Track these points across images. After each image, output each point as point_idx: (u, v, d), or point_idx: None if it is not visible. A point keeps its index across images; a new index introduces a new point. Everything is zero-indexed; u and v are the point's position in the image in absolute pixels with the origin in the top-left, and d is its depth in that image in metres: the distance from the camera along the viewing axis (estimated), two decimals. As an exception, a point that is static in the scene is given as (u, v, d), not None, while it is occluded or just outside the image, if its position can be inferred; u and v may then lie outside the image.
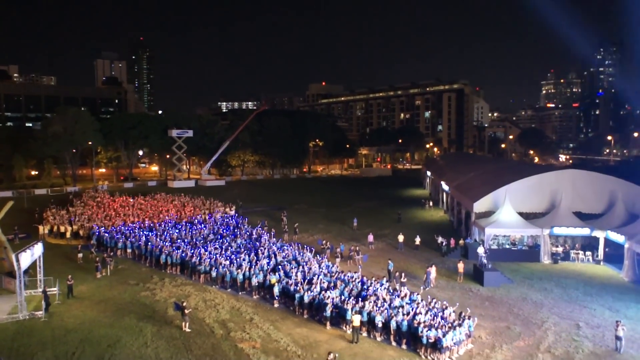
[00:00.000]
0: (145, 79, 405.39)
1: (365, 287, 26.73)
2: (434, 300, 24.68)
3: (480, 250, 33.44)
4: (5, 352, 21.30)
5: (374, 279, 28.11)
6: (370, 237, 41.21)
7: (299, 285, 26.64)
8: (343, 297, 24.79)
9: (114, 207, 51.40)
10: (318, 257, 33.44)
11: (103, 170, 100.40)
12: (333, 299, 24.50)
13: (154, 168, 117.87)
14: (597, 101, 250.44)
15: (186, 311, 23.61)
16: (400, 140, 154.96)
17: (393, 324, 22.22)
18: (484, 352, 21.64)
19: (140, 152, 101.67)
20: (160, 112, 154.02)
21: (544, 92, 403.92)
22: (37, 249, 28.12)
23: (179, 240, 37.51)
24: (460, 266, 32.35)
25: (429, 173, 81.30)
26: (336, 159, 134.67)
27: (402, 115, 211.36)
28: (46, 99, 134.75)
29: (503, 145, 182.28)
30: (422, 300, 24.90)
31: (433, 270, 31.05)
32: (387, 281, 28.59)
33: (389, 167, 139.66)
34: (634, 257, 32.06)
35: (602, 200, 38.19)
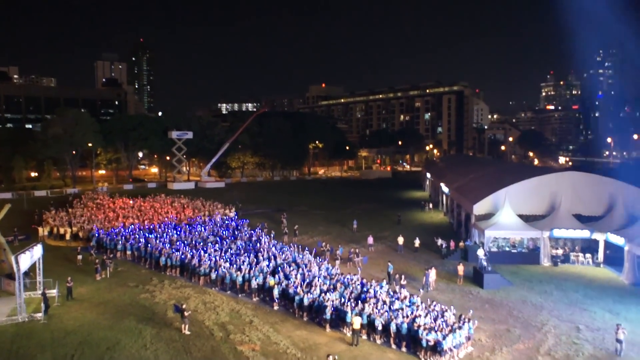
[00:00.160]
0: (145, 81, 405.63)
1: (365, 289, 26.71)
2: (434, 303, 24.65)
3: (480, 252, 33.43)
4: (5, 355, 21.26)
5: (373, 281, 28.08)
6: (370, 239, 41.18)
7: (298, 287, 26.62)
8: (343, 300, 24.76)
9: (113, 209, 51.37)
10: (318, 259, 33.42)
11: (103, 171, 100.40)
12: (333, 301, 24.47)
13: (154, 170, 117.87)
14: (597, 103, 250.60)
15: (186, 313, 23.57)
16: (400, 142, 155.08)
17: (393, 327, 22.19)
18: (484, 355, 21.61)
19: (140, 154, 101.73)
20: (160, 113, 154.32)
21: (543, 94, 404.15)
22: (37, 251, 28.06)
23: (178, 242, 37.49)
24: (460, 268, 32.32)
25: (428, 175, 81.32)
26: (336, 160, 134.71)
27: (402, 117, 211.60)
28: (46, 101, 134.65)
29: (503, 147, 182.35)
30: (421, 302, 24.88)
31: (433, 273, 31.03)
32: (387, 283, 28.57)
33: (388, 169, 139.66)
34: (634, 260, 32.03)
35: (602, 203, 38.17)
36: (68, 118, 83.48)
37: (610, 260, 35.53)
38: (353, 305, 23.91)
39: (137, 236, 39.26)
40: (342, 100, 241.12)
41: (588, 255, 36.61)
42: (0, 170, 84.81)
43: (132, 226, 43.23)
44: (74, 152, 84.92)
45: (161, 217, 47.37)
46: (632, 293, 30.21)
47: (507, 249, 37.62)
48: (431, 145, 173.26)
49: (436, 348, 20.66)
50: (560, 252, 36.96)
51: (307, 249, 35.86)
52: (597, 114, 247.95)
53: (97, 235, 40.11)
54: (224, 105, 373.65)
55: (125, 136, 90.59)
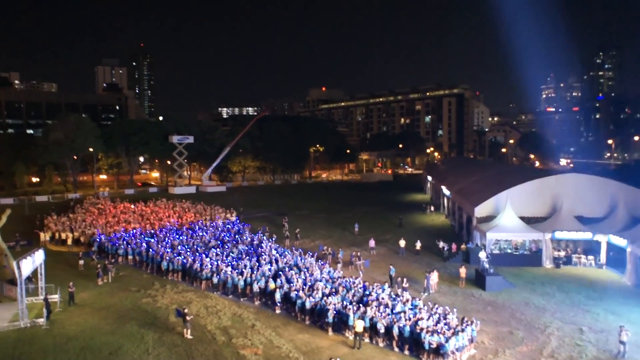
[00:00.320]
0: (145, 85, 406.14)
1: (367, 292, 26.66)
2: (436, 306, 24.60)
3: (482, 255, 33.36)
4: (7, 360, 21.25)
5: (375, 284, 28.04)
6: (372, 243, 41.14)
7: (300, 291, 26.58)
8: (345, 303, 24.72)
9: (115, 214, 51.39)
10: (319, 263, 33.38)
11: (104, 176, 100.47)
12: (335, 304, 24.43)
13: (155, 174, 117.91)
14: (598, 105, 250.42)
15: (188, 318, 23.54)
16: (400, 145, 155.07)
17: (395, 330, 22.15)
18: (487, 358, 21.55)
19: (141, 159, 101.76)
20: (160, 118, 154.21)
21: (544, 96, 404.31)
22: (38, 256, 28.07)
23: (180, 247, 37.48)
24: (462, 271, 32.27)
25: (429, 178, 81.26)
26: (337, 164, 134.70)
27: (402, 120, 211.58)
28: (47, 106, 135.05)
29: (503, 150, 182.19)
30: (424, 305, 24.83)
31: (435, 276, 30.98)
32: (389, 286, 28.53)
33: (389, 172, 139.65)
34: (636, 261, 31.95)
35: (604, 204, 38.12)
36: (69, 123, 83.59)
37: (612, 261, 35.46)
38: (355, 308, 23.86)
39: (139, 241, 39.25)
40: (343, 104, 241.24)
41: (590, 257, 36.54)
42: (1, 176, 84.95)
43: (134, 231, 43.23)
44: (75, 157, 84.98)
45: (163, 222, 47.37)
46: (634, 294, 30.14)
47: (509, 251, 37.56)
48: (432, 148, 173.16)
49: (439, 351, 20.61)
50: (562, 253, 36.89)
51: (308, 252, 35.83)
52: (597, 116, 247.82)
53: (98, 240, 40.12)
54: (225, 109, 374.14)
55: (126, 141, 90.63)
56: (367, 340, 22.99)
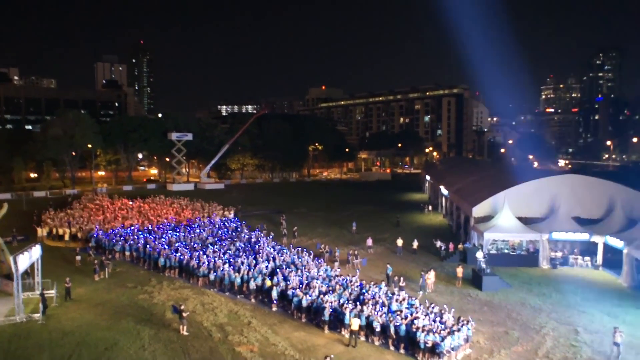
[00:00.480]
0: (145, 82, 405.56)
1: (363, 291, 26.69)
2: (432, 305, 24.64)
3: (479, 254, 33.39)
4: (2, 355, 21.24)
5: (372, 283, 28.07)
6: (369, 241, 41.17)
7: (297, 289, 26.60)
8: (341, 301, 24.74)
9: (112, 210, 51.35)
10: (317, 261, 33.41)
11: (102, 173, 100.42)
12: (331, 302, 24.45)
13: (153, 171, 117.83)
14: (597, 106, 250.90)
15: (184, 314, 23.54)
16: (399, 145, 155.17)
17: (391, 328, 22.18)
18: (482, 357, 21.59)
19: (140, 155, 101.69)
20: (160, 115, 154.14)
21: (543, 97, 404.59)
22: (35, 252, 28.08)
23: (177, 243, 37.47)
24: (459, 271, 32.32)
25: (428, 177, 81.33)
26: (335, 162, 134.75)
27: (401, 119, 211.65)
28: (46, 102, 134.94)
29: (502, 150, 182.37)
30: (420, 304, 24.87)
31: (432, 275, 31.04)
32: (385, 285, 28.56)
33: (388, 171, 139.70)
34: (632, 263, 32.03)
35: (601, 206, 38.17)
36: (68, 119, 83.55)
37: (609, 263, 35.52)
38: (352, 307, 23.89)
39: (136, 237, 39.24)
40: (342, 103, 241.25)
41: (587, 258, 36.59)
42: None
43: (131, 227, 43.21)
44: (73, 153, 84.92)
45: (160, 218, 47.36)
46: (630, 296, 30.21)
47: (506, 251, 37.62)
48: (431, 148, 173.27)
49: (434, 350, 20.65)
50: (559, 254, 36.95)
51: (306, 250, 35.84)
52: (596, 117, 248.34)
53: (96, 235, 40.10)
54: (224, 107, 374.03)
55: (125, 137, 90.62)
56: (363, 338, 23.01)
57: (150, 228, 43.28)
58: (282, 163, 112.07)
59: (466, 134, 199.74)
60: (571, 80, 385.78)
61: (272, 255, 33.67)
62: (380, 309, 23.74)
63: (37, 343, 22.32)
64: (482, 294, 30.11)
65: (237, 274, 29.45)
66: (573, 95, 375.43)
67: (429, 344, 20.78)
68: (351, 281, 28.21)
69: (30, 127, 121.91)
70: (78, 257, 35.64)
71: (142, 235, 39.82)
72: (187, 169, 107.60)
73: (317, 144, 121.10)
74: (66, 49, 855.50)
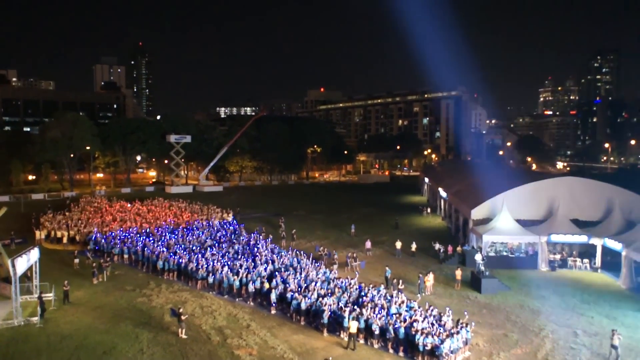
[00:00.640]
0: (143, 84, 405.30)
1: (362, 294, 26.67)
2: (432, 308, 24.62)
3: (478, 257, 33.41)
4: (0, 358, 21.15)
5: (371, 285, 28.05)
6: (368, 244, 41.15)
7: (296, 291, 26.56)
8: (340, 304, 24.71)
9: (111, 213, 51.26)
10: (315, 264, 33.37)
11: (101, 175, 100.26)
12: (330, 305, 24.42)
13: (152, 173, 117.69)
14: (595, 109, 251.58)
15: (183, 317, 23.49)
16: (398, 147, 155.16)
17: (390, 331, 22.15)
18: (481, 360, 21.58)
19: (138, 158, 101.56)
20: (158, 117, 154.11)
21: (541, 99, 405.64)
22: (34, 254, 28.02)
23: (176, 246, 37.41)
24: (458, 273, 32.31)
25: (426, 180, 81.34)
26: (334, 165, 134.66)
27: (400, 121, 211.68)
28: (44, 104, 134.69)
29: (501, 152, 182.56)
30: (419, 307, 24.85)
31: (431, 277, 31.03)
32: (384, 288, 28.53)
33: (386, 173, 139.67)
34: (631, 265, 32.06)
35: (600, 208, 38.22)
36: (66, 121, 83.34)
37: (607, 265, 35.52)
38: (351, 309, 23.85)
39: (135, 240, 39.16)
40: (341, 105, 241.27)
41: (585, 260, 36.60)
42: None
43: (130, 230, 43.13)
44: (72, 155, 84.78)
45: (159, 221, 47.28)
46: (629, 298, 30.23)
47: (505, 253, 37.61)
48: (429, 150, 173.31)
49: (434, 352, 20.63)
50: (557, 257, 36.96)
51: (304, 253, 35.79)
52: (594, 120, 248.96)
53: (94, 238, 40.01)
54: (223, 109, 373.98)
55: (123, 140, 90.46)
56: (362, 341, 22.99)
57: (148, 231, 43.20)
58: (281, 165, 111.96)
59: (465, 137, 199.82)
60: (569, 82, 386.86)
61: (270, 258, 33.63)
62: (379, 311, 23.71)
63: (35, 347, 22.24)
64: (481, 297, 30.10)
65: (235, 277, 29.41)
66: (571, 97, 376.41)
67: (428, 347, 20.77)
68: (350, 284, 28.18)
69: (28, 129, 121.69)
70: (76, 260, 35.56)
71: (140, 238, 39.74)
72: (186, 172, 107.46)
73: (315, 146, 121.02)
74: (65, 51, 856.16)
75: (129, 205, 56.55)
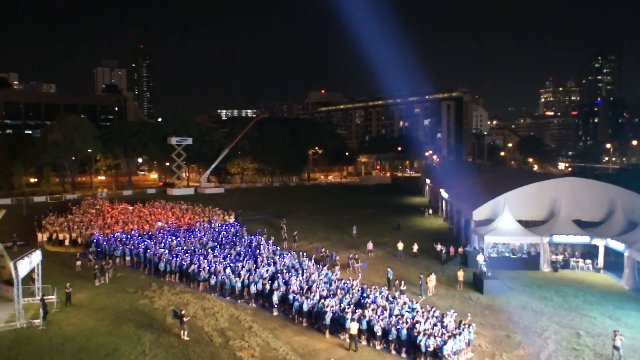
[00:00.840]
0: (145, 87, 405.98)
1: (364, 295, 26.64)
2: (434, 309, 24.59)
3: (480, 258, 33.35)
4: (3, 361, 21.19)
5: (373, 287, 28.01)
6: (370, 245, 41.12)
7: (298, 293, 26.54)
8: (342, 305, 24.69)
9: (113, 215, 51.31)
10: (317, 265, 33.35)
11: (102, 177, 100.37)
12: (332, 307, 24.40)
13: (153, 175, 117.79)
14: (596, 109, 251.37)
15: (185, 319, 23.50)
16: (399, 148, 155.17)
17: (393, 333, 22.12)
18: (484, 361, 21.54)
19: (140, 160, 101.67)
20: (159, 119, 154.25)
21: (542, 100, 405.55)
22: (36, 257, 28.05)
23: (178, 248, 37.42)
24: (460, 274, 32.25)
25: (428, 181, 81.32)
26: (336, 166, 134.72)
27: (401, 123, 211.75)
28: (46, 107, 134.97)
29: (502, 153, 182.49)
30: (421, 308, 24.82)
31: (433, 279, 30.99)
32: (386, 289, 28.49)
33: (388, 174, 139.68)
34: (634, 265, 31.97)
35: (602, 208, 38.15)
36: (68, 124, 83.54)
37: (610, 265, 35.45)
38: (353, 311, 23.82)
39: (137, 242, 39.18)
40: (342, 107, 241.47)
41: (588, 260, 36.53)
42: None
43: (132, 232, 43.15)
44: (73, 158, 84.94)
45: (160, 223, 47.28)
46: (632, 299, 30.13)
47: (507, 254, 37.54)
48: (430, 151, 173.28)
49: (436, 354, 20.59)
50: (560, 257, 36.89)
51: (306, 254, 35.78)
52: (595, 120, 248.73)
53: (96, 241, 40.04)
54: (224, 111, 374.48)
55: (124, 142, 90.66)
56: (364, 342, 22.96)
57: (150, 233, 43.23)
58: (282, 167, 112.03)
59: (466, 138, 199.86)
60: (570, 83, 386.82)
61: (272, 260, 33.61)
62: (382, 313, 23.68)
63: (38, 349, 22.25)
64: (483, 298, 30.05)
65: (237, 279, 29.40)
66: (572, 98, 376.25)
67: (431, 348, 20.73)
68: (352, 285, 28.16)
69: (30, 132, 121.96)
70: (78, 262, 35.58)
71: (142, 240, 39.77)
72: (187, 174, 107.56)
73: (317, 148, 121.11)
74: (66, 54, 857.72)
75: (130, 207, 56.60)
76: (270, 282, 28.86)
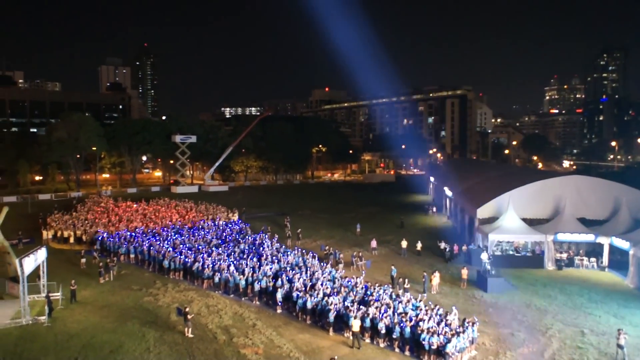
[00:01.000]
0: (149, 85, 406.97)
1: (368, 293, 26.65)
2: (437, 307, 24.57)
3: (484, 256, 33.30)
4: (9, 357, 21.32)
5: (377, 284, 28.02)
6: (374, 243, 41.13)
7: (301, 291, 26.59)
8: (346, 303, 24.71)
9: (117, 212, 51.49)
10: (321, 263, 33.38)
11: (107, 175, 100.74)
12: (336, 304, 24.42)
13: (158, 173, 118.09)
14: (601, 107, 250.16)
15: (189, 317, 23.58)
16: (403, 146, 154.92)
17: (396, 330, 22.13)
18: (487, 359, 21.51)
19: (144, 158, 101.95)
20: (163, 117, 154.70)
21: (547, 97, 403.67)
22: (41, 254, 28.20)
23: (182, 246, 37.53)
24: (464, 272, 32.21)
25: (432, 179, 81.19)
26: (339, 164, 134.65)
27: (405, 121, 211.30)
28: (51, 105, 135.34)
29: (506, 151, 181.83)
30: (425, 306, 24.81)
31: (437, 277, 30.97)
32: (390, 287, 28.49)
33: (392, 172, 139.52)
34: (639, 264, 31.83)
35: (607, 206, 37.98)
36: (72, 122, 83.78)
37: (615, 264, 35.31)
38: (356, 308, 23.84)
39: (141, 239, 39.32)
40: (346, 104, 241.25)
41: (592, 259, 36.41)
42: (5, 174, 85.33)
43: (136, 229, 43.30)
44: (78, 156, 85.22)
45: (165, 221, 47.44)
46: (637, 297, 30.01)
47: (511, 252, 37.47)
48: (435, 149, 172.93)
49: (440, 352, 20.59)
50: (564, 256, 36.78)
51: (310, 252, 35.82)
52: (601, 118, 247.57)
53: (100, 238, 40.21)
54: (228, 109, 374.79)
55: (129, 140, 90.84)
56: (368, 340, 22.99)
57: (154, 230, 43.36)
58: (286, 165, 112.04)
59: (470, 135, 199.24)
60: (575, 81, 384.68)
61: (276, 257, 33.67)
62: (385, 310, 23.69)
63: (43, 345, 22.39)
64: (487, 296, 30.00)
65: (241, 276, 29.47)
66: (577, 96, 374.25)
67: (434, 346, 20.73)
68: (356, 283, 28.18)
69: (35, 130, 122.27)
70: (83, 260, 35.74)
71: (146, 238, 39.90)
72: (191, 172, 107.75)
73: (320, 146, 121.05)
74: (70, 52, 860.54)
75: (135, 205, 56.78)
76: (274, 279, 28.91)
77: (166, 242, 38.67)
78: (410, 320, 22.65)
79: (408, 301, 25.40)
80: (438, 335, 21.05)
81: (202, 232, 42.58)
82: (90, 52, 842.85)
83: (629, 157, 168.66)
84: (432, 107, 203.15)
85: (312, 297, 25.52)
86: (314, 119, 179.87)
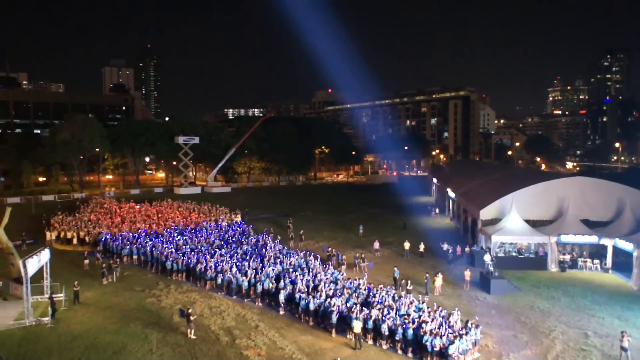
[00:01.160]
0: (152, 86, 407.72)
1: (371, 294, 26.62)
2: (440, 308, 24.52)
3: (487, 257, 33.23)
4: (12, 358, 21.37)
5: (380, 286, 27.99)
6: (376, 244, 41.08)
7: (304, 292, 26.57)
8: (349, 305, 24.69)
9: (120, 214, 51.59)
10: (324, 264, 33.37)
11: (110, 176, 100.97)
12: (339, 306, 24.40)
13: (161, 175, 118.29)
14: (605, 108, 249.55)
15: (191, 318, 23.60)
16: (406, 147, 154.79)
17: (399, 332, 22.09)
18: (490, 361, 21.45)
19: (147, 159, 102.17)
20: (167, 119, 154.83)
21: (550, 99, 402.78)
22: (44, 255, 28.26)
23: (184, 247, 37.58)
24: (467, 274, 32.13)
25: (435, 180, 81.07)
26: (342, 165, 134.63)
27: (408, 122, 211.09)
28: (54, 106, 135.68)
29: (510, 152, 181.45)
30: (427, 308, 24.76)
31: (440, 278, 30.91)
32: (393, 289, 28.44)
33: (394, 174, 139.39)
34: (642, 266, 31.70)
35: (610, 208, 37.84)
36: (76, 123, 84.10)
37: (618, 265, 35.18)
38: (359, 310, 23.81)
39: (144, 241, 39.38)
40: (348, 106, 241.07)
41: (596, 260, 36.27)
42: (9, 175, 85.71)
43: (139, 231, 43.37)
44: (81, 157, 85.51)
45: (168, 222, 47.51)
46: (641, 299, 29.89)
47: (514, 254, 37.36)
48: (437, 150, 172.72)
49: (443, 353, 20.54)
50: (567, 257, 36.65)
51: (313, 254, 35.81)
52: (604, 119, 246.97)
53: (103, 239, 40.29)
54: (230, 110, 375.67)
55: (132, 141, 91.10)
56: (370, 342, 22.95)
57: (157, 232, 43.43)
58: (289, 166, 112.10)
59: (473, 137, 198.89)
60: (579, 82, 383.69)
61: (279, 259, 33.68)
62: (388, 312, 23.66)
63: (46, 346, 22.44)
64: (490, 297, 29.93)
65: (244, 278, 29.48)
66: (581, 97, 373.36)
67: (437, 348, 20.68)
68: (359, 284, 28.15)
69: (38, 131, 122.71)
70: (86, 261, 35.82)
71: (149, 239, 39.96)
72: (194, 173, 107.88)
73: (323, 147, 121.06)
74: (74, 54, 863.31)
75: (138, 206, 56.88)
76: (276, 281, 28.91)
77: (169, 243, 38.73)
78: (413, 322, 22.61)
79: (411, 303, 25.35)
80: (441, 337, 21.01)
81: (205, 234, 42.62)
82: (94, 54, 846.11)
83: (633, 158, 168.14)
84: (435, 108, 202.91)
85: (315, 299, 25.51)
86: (317, 120, 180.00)
